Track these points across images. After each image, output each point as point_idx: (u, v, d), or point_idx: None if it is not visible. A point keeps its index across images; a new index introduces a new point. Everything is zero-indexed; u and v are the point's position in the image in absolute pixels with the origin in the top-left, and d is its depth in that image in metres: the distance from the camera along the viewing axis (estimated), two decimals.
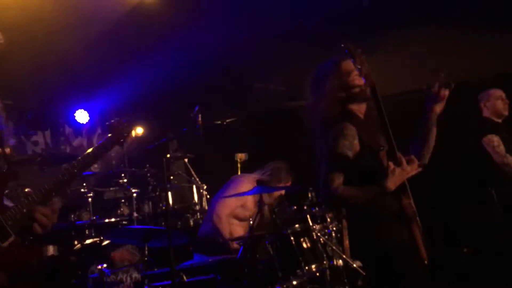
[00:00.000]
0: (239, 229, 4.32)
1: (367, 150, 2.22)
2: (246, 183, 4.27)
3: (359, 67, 2.16)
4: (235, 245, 4.10)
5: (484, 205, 4.35)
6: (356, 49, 2.19)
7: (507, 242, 4.08)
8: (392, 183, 2.09)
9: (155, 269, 3.66)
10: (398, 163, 2.10)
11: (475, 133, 4.41)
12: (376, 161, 2.19)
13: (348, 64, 2.32)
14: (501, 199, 4.22)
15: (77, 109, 6.64)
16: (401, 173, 2.10)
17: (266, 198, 4.24)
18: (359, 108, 2.35)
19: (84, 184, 4.98)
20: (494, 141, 4.24)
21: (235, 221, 4.33)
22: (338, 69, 2.34)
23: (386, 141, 2.17)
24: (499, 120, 4.46)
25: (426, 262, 2.13)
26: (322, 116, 2.31)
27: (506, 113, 4.45)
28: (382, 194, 2.13)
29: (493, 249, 4.17)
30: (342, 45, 2.20)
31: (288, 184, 4.43)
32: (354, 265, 3.53)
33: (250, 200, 4.31)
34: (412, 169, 2.13)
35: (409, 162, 2.13)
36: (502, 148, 4.23)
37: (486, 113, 4.47)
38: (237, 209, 4.30)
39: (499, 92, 4.49)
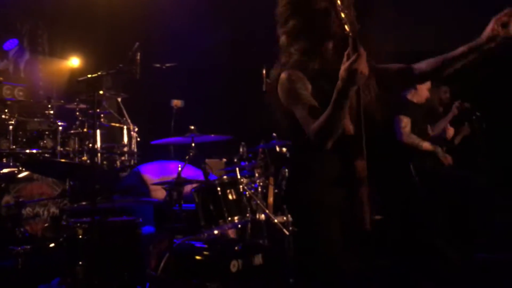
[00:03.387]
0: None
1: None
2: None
3: (340, 9, 1.77)
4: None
5: (403, 178, 4.60)
6: None
7: (420, 214, 4.37)
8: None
9: (75, 205, 3.57)
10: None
11: (396, 111, 4.61)
12: None
13: None
14: (418, 173, 4.50)
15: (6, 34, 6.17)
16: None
17: None
18: None
19: (6, 111, 4.69)
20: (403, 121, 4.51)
21: None
22: None
23: None
24: (420, 102, 4.70)
25: (367, 227, 1.94)
26: None
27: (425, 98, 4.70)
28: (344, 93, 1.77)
29: (407, 220, 4.44)
30: None
31: None
32: (276, 221, 3.63)
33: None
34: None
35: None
36: (408, 129, 4.50)
37: (409, 95, 4.69)
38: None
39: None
